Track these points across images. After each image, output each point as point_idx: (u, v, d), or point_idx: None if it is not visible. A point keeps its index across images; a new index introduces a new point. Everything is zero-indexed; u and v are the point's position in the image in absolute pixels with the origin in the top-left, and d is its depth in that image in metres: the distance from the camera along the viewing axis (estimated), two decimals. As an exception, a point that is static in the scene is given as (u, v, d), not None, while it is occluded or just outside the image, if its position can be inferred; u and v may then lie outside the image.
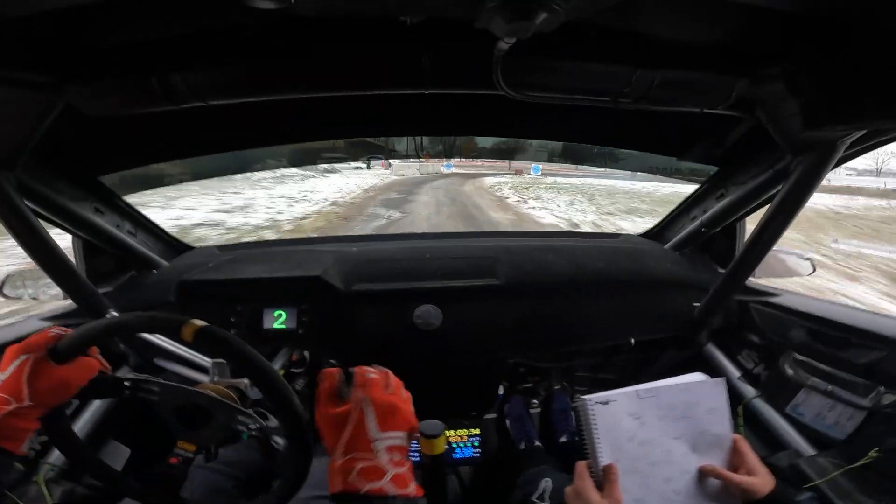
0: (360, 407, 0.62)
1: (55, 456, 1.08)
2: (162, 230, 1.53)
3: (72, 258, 1.23)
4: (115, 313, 1.20)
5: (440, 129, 1.50)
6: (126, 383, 0.71)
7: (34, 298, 1.38)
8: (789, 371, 1.31)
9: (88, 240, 1.30)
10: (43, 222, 1.05)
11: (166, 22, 0.73)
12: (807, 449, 1.21)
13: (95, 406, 1.28)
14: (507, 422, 1.55)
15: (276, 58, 0.85)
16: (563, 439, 1.48)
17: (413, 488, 0.61)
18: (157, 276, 1.43)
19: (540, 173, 33.39)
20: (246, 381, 0.86)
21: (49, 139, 0.87)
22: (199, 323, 0.63)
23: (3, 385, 0.62)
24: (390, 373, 0.72)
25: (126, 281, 1.42)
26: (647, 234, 1.82)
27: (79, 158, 1.16)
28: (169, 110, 0.89)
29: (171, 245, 1.57)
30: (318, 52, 0.85)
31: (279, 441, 0.69)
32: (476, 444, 1.48)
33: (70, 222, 1.19)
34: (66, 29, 0.70)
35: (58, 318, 1.27)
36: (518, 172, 35.84)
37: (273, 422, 0.71)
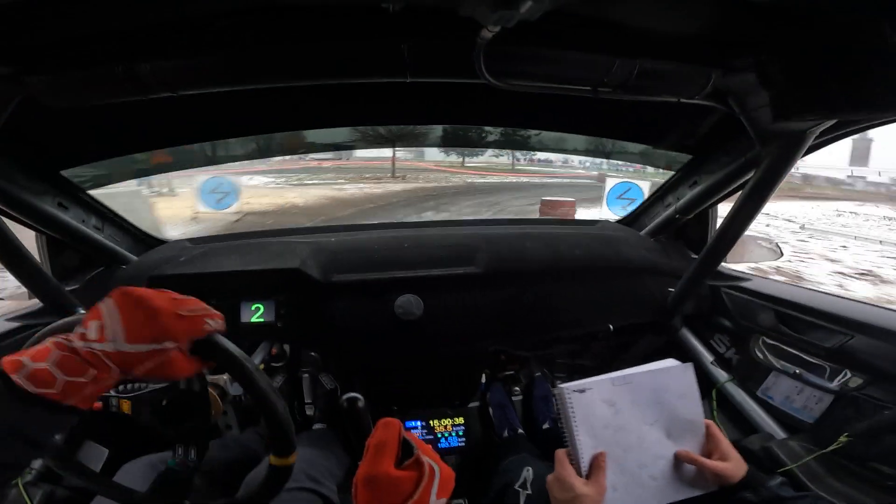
0: (432, 473, 0.58)
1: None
2: (130, 224, 1.47)
3: (36, 255, 1.19)
4: (83, 311, 1.16)
5: (421, 119, 1.48)
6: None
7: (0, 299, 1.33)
8: (759, 355, 1.35)
9: (53, 236, 1.25)
10: (4, 219, 1.01)
11: (135, 12, 0.70)
12: (778, 432, 1.25)
13: None
14: (490, 410, 1.56)
15: (251, 46, 0.82)
16: (545, 426, 1.51)
17: None
18: (125, 271, 1.38)
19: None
20: (225, 376, 0.85)
21: (8, 131, 0.83)
22: None
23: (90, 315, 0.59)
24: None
25: (93, 277, 1.37)
26: (624, 221, 1.85)
27: (40, 151, 1.10)
28: (135, 100, 0.85)
29: (141, 239, 1.52)
30: (295, 40, 0.82)
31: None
32: (461, 433, 1.50)
33: (33, 218, 1.14)
34: (25, 19, 0.66)
35: (24, 317, 1.23)
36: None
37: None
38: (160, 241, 1.57)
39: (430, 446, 0.64)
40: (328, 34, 0.83)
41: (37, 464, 1.02)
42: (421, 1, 0.71)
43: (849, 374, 1.13)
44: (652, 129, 1.41)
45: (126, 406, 0.72)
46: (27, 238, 1.13)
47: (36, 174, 1.13)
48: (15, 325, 1.19)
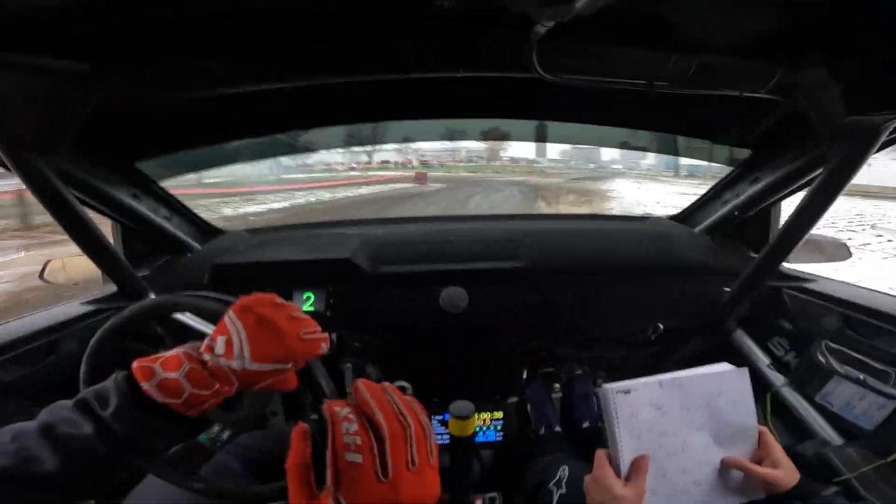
0: None
1: None
2: (195, 215, 1.57)
3: (112, 243, 1.28)
4: (153, 296, 1.24)
5: (473, 112, 1.49)
6: None
7: (74, 284, 1.43)
8: (821, 359, 1.28)
9: (127, 224, 1.35)
10: (85, 209, 1.09)
11: (204, 10, 0.74)
12: (834, 438, 1.19)
13: None
14: (528, 406, 1.56)
15: (310, 43, 0.86)
16: (584, 425, 1.49)
17: None
18: (191, 259, 1.47)
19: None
20: None
21: (89, 126, 0.90)
22: None
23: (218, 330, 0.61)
24: (406, 420, 0.44)
25: (162, 264, 1.47)
26: (677, 218, 1.79)
27: (117, 145, 1.19)
28: (202, 97, 0.91)
29: (204, 229, 1.61)
30: (353, 37, 0.85)
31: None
32: (499, 427, 1.51)
33: (110, 207, 1.23)
34: (101, 18, 0.72)
35: (99, 301, 1.33)
36: (419, 179, 29.71)
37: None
38: (221, 231, 1.66)
39: (370, 456, 0.42)
40: (385, 31, 0.85)
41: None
42: None
43: None
44: (711, 124, 1.36)
45: None
46: (103, 227, 1.22)
47: (113, 167, 1.22)
48: (90, 308, 1.29)
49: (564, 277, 1.42)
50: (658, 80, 0.88)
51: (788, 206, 1.25)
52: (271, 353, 0.59)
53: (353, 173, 41.28)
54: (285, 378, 0.62)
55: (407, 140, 1.95)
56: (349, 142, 1.86)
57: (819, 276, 1.44)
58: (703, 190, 1.65)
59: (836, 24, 0.73)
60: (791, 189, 1.30)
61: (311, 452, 0.44)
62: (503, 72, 0.92)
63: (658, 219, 1.84)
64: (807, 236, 1.20)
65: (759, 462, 0.78)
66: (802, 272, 1.48)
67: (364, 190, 25.14)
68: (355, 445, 0.41)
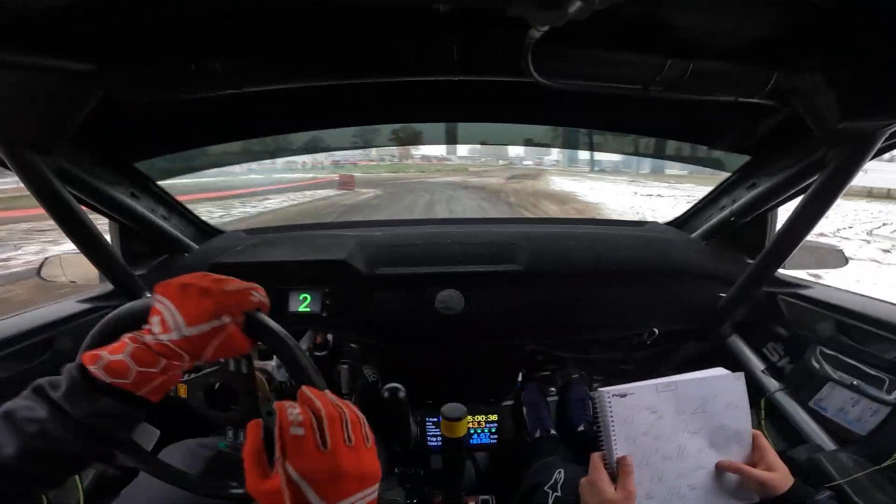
0: (290, 483, 0.47)
1: None
2: (193, 215, 1.57)
3: (109, 242, 1.28)
4: (150, 295, 1.24)
5: (468, 115, 1.49)
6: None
7: (72, 281, 1.44)
8: (815, 365, 1.29)
9: (124, 223, 1.35)
10: (83, 207, 1.09)
11: (204, 10, 0.75)
12: (827, 444, 1.20)
13: None
14: (524, 409, 1.56)
15: (309, 44, 0.87)
16: (580, 428, 1.49)
17: None
18: (188, 259, 1.48)
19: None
20: (273, 363, 0.89)
21: (88, 125, 0.90)
22: None
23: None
24: (341, 408, 0.54)
25: (159, 264, 1.47)
26: (674, 223, 1.79)
27: (116, 144, 1.20)
28: (202, 97, 0.91)
29: (202, 229, 1.61)
30: (351, 39, 0.86)
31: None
32: (493, 430, 1.51)
33: (108, 206, 1.23)
34: (104, 18, 0.72)
35: (95, 299, 1.33)
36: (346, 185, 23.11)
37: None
38: (219, 231, 1.66)
39: (311, 431, 0.50)
40: (381, 33, 0.85)
41: None
42: (471, 1, 0.72)
43: None
44: (708, 129, 1.36)
45: (183, 390, 0.76)
46: (101, 226, 1.22)
47: (112, 166, 1.23)
48: (86, 306, 1.29)
49: (561, 281, 1.42)
50: (653, 84, 0.89)
51: (785, 212, 1.25)
52: (203, 312, 0.61)
53: (253, 176, 31.57)
54: (230, 336, 0.62)
55: (316, 146, 1.92)
56: (254, 152, 1.84)
57: (814, 282, 1.44)
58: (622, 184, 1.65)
59: (832, 29, 0.74)
60: (788, 195, 1.30)
61: (263, 441, 0.53)
62: (499, 76, 0.93)
63: (655, 223, 1.84)
64: (803, 242, 1.21)
65: (753, 466, 0.79)
66: (798, 278, 1.48)
67: (273, 202, 18.64)
68: (298, 422, 0.49)
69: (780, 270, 1.47)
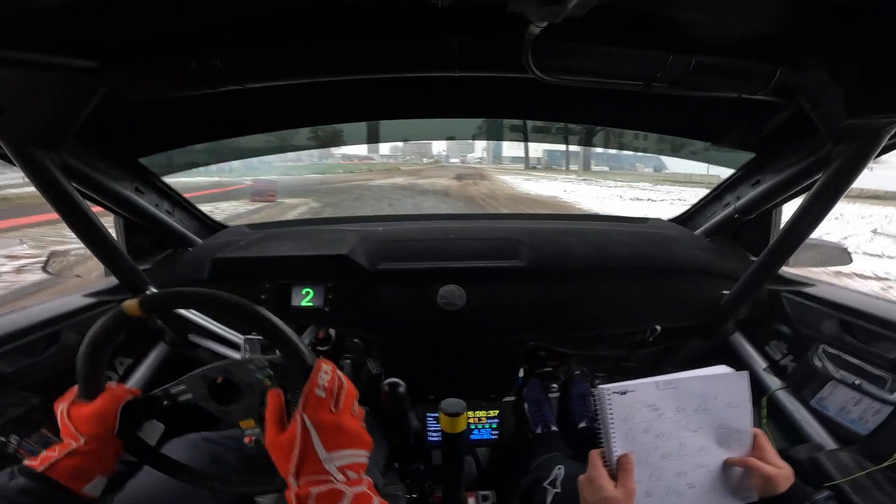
0: (304, 428, 0.60)
1: None
2: (197, 209, 1.58)
3: (114, 237, 1.29)
4: (154, 289, 1.26)
5: (469, 112, 1.49)
6: (159, 394, 0.75)
7: (77, 276, 1.45)
8: (818, 363, 1.28)
9: (129, 218, 1.36)
10: (87, 202, 1.10)
11: (206, 9, 0.75)
12: (828, 442, 1.20)
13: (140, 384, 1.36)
14: (525, 405, 1.57)
15: (310, 41, 0.87)
16: (581, 425, 1.50)
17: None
18: (192, 253, 1.49)
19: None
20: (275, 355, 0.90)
21: (92, 122, 0.91)
22: (141, 296, 0.67)
23: (62, 433, 0.70)
24: (347, 384, 0.68)
25: (163, 258, 1.48)
26: (677, 220, 1.79)
27: (120, 140, 1.21)
28: (205, 93, 0.92)
29: (206, 224, 1.62)
30: (351, 36, 0.86)
31: (277, 358, 0.72)
32: (494, 425, 1.51)
33: (113, 201, 1.24)
34: (110, 17, 0.73)
35: (100, 293, 1.34)
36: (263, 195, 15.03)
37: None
38: (222, 226, 1.67)
39: (329, 394, 0.63)
40: (382, 30, 0.85)
41: None
42: None
43: None
44: (712, 126, 1.35)
45: None
46: (106, 221, 1.23)
47: (116, 161, 1.24)
48: (92, 300, 1.31)
49: (563, 277, 1.42)
50: (655, 80, 0.88)
51: (790, 210, 1.24)
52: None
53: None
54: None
55: (225, 151, 1.88)
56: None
57: (818, 280, 1.44)
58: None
59: (837, 26, 0.73)
60: (793, 192, 1.29)
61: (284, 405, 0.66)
62: (499, 72, 0.93)
63: (658, 220, 1.84)
64: (808, 240, 1.20)
65: None
66: (802, 276, 1.47)
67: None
68: (323, 386, 0.63)
69: (785, 268, 1.46)
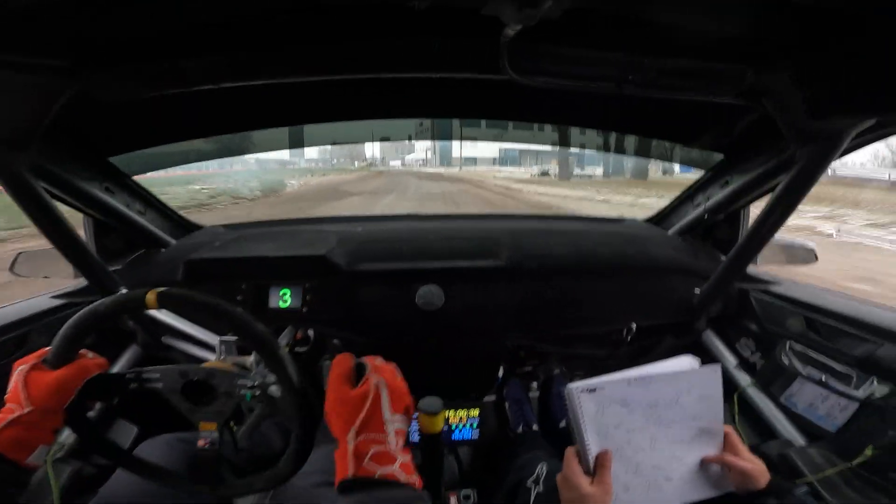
0: (378, 388, 0.65)
1: (65, 435, 1.12)
2: (171, 210, 1.55)
3: (83, 237, 1.26)
4: (125, 290, 1.23)
5: (447, 112, 1.50)
6: (129, 376, 0.74)
7: (45, 277, 1.41)
8: (785, 360, 1.32)
9: (99, 219, 1.33)
10: (56, 202, 1.07)
11: (180, 11, 0.74)
12: (798, 439, 1.23)
13: None
14: (506, 405, 1.58)
15: (287, 43, 0.86)
16: (562, 424, 1.51)
17: (416, 478, 0.62)
18: (165, 254, 1.46)
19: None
20: (252, 358, 0.89)
21: (61, 121, 0.89)
22: (159, 290, 0.67)
23: (9, 396, 0.68)
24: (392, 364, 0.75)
25: (135, 259, 1.45)
26: (651, 220, 1.82)
27: (90, 139, 1.18)
28: (178, 92, 0.90)
29: (180, 224, 1.59)
30: (327, 38, 0.86)
31: (275, 391, 0.72)
32: (475, 425, 1.51)
33: (82, 201, 1.21)
34: (81, 16, 0.71)
35: (69, 295, 1.31)
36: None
37: (270, 377, 0.73)
38: (197, 227, 1.64)
39: (390, 365, 0.74)
40: (358, 32, 0.85)
41: (69, 440, 1.06)
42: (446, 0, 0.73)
43: (876, 383, 1.10)
44: (683, 128, 1.38)
45: None
46: (75, 221, 1.20)
47: (86, 160, 1.21)
48: (60, 302, 1.27)
49: (542, 277, 1.43)
50: (626, 83, 0.90)
51: (757, 210, 1.28)
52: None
53: None
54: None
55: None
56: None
57: (784, 279, 1.48)
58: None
59: (801, 29, 0.75)
60: (759, 192, 1.33)
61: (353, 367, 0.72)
62: (477, 73, 0.93)
63: (633, 220, 1.87)
64: (774, 240, 1.24)
65: None
66: (769, 275, 1.52)
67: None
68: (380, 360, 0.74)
69: (752, 267, 1.51)
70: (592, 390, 0.78)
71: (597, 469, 0.76)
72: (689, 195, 1.63)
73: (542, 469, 1.07)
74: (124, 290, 1.23)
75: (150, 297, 0.66)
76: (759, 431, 1.33)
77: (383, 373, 0.68)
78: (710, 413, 0.82)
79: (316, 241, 1.42)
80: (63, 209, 1.11)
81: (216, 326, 1.18)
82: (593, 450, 0.78)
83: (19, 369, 0.69)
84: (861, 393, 1.12)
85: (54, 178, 1.10)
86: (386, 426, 0.63)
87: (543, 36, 0.79)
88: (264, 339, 0.67)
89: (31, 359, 0.70)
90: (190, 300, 0.68)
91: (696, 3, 0.74)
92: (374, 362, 0.71)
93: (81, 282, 1.33)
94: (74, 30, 0.75)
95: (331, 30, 0.85)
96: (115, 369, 1.40)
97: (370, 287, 1.38)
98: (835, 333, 1.22)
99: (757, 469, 0.77)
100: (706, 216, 1.51)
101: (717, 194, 1.45)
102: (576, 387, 0.78)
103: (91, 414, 0.74)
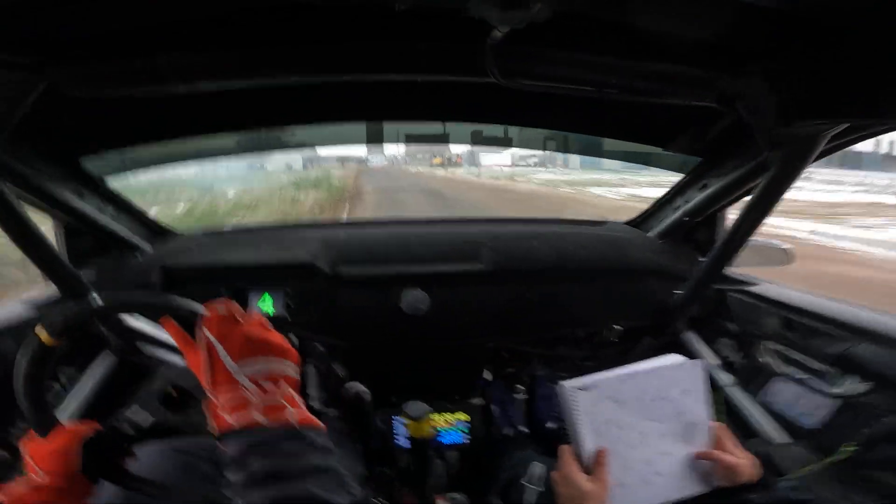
0: (208, 343, 0.61)
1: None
2: (146, 215, 1.51)
3: (53, 241, 1.21)
4: (96, 296, 1.18)
5: (429, 115, 1.49)
6: (122, 424, 0.72)
7: None
8: (763, 360, 1.34)
9: (70, 222, 1.28)
10: (24, 204, 1.03)
11: (154, 8, 0.72)
12: (777, 437, 1.24)
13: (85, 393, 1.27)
14: (492, 407, 1.57)
15: (267, 42, 0.84)
16: (549, 425, 1.51)
17: (295, 415, 0.59)
18: (140, 260, 1.41)
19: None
20: None
21: (30, 119, 0.85)
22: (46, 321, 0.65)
23: (27, 469, 0.67)
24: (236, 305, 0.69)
25: (108, 265, 1.40)
26: (632, 223, 1.85)
27: (60, 139, 1.13)
28: (153, 92, 0.88)
29: (156, 230, 1.55)
30: (308, 38, 0.84)
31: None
32: (465, 429, 1.51)
33: (51, 204, 1.17)
34: (49, 11, 0.69)
35: (38, 301, 1.25)
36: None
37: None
38: (174, 233, 1.60)
39: (232, 306, 0.66)
40: (340, 34, 0.84)
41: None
42: (430, 1, 0.72)
43: (853, 381, 1.13)
44: (662, 132, 1.41)
45: None
46: (45, 225, 1.15)
47: (56, 162, 1.16)
48: (29, 308, 1.21)
49: (525, 279, 1.44)
50: (607, 87, 0.91)
51: (735, 213, 1.31)
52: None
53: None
54: None
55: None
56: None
57: (761, 279, 1.51)
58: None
59: (773, 34, 0.77)
60: (736, 196, 1.36)
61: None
62: (461, 76, 0.93)
63: (614, 223, 1.89)
64: (751, 242, 1.27)
65: None
66: (746, 276, 1.55)
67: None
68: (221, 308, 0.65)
69: (731, 269, 1.53)
70: (586, 388, 0.79)
71: (595, 466, 0.77)
72: (668, 198, 1.66)
73: (535, 468, 1.08)
74: (95, 296, 1.18)
75: (42, 335, 0.63)
76: (739, 430, 1.35)
77: (213, 324, 0.63)
78: (696, 407, 0.84)
79: (297, 247, 1.40)
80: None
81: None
82: (589, 447, 0.78)
83: (23, 447, 0.69)
84: (839, 391, 1.14)
85: (22, 179, 1.05)
86: (234, 375, 0.59)
87: (530, 39, 0.79)
88: (140, 299, 0.66)
89: (29, 435, 0.69)
90: (74, 317, 0.67)
91: (673, 7, 0.75)
92: (211, 312, 0.64)
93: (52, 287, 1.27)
94: (41, 24, 0.72)
95: (312, 30, 0.83)
96: (88, 379, 1.34)
97: (354, 291, 1.37)
98: (812, 332, 1.24)
99: (743, 464, 0.79)
100: (685, 219, 1.53)
101: (696, 197, 1.48)
102: (570, 385, 0.79)
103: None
